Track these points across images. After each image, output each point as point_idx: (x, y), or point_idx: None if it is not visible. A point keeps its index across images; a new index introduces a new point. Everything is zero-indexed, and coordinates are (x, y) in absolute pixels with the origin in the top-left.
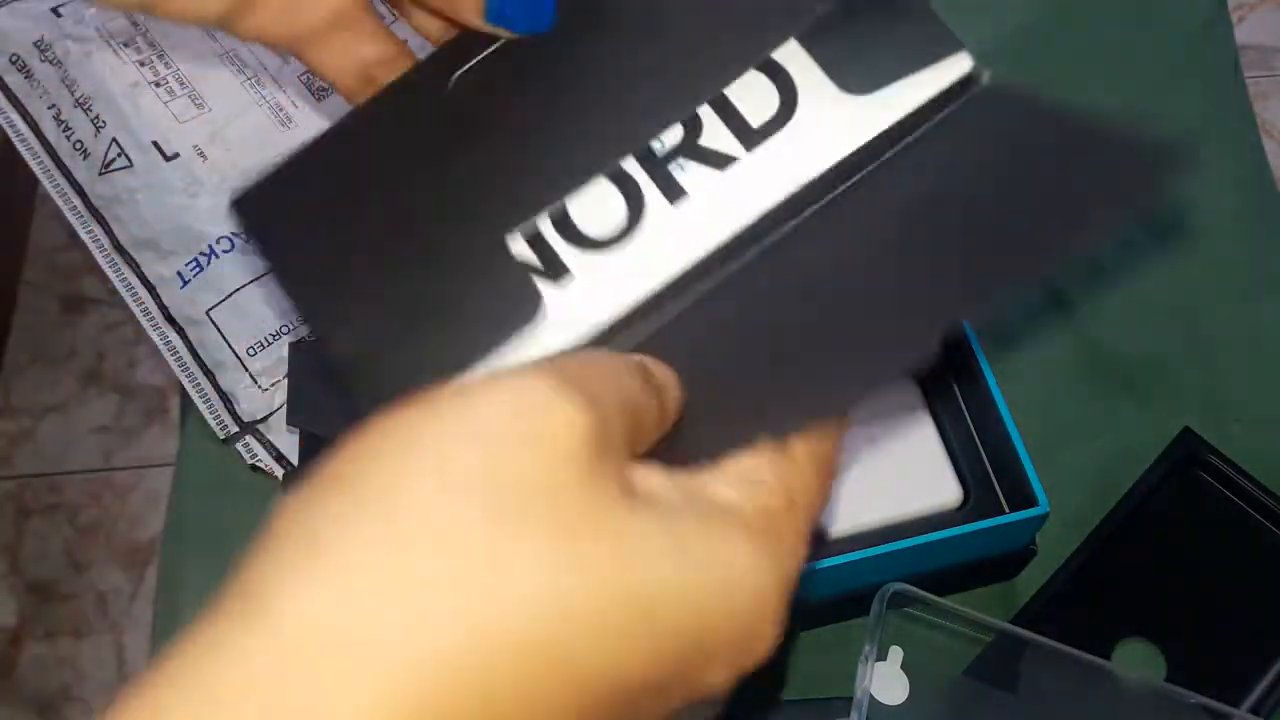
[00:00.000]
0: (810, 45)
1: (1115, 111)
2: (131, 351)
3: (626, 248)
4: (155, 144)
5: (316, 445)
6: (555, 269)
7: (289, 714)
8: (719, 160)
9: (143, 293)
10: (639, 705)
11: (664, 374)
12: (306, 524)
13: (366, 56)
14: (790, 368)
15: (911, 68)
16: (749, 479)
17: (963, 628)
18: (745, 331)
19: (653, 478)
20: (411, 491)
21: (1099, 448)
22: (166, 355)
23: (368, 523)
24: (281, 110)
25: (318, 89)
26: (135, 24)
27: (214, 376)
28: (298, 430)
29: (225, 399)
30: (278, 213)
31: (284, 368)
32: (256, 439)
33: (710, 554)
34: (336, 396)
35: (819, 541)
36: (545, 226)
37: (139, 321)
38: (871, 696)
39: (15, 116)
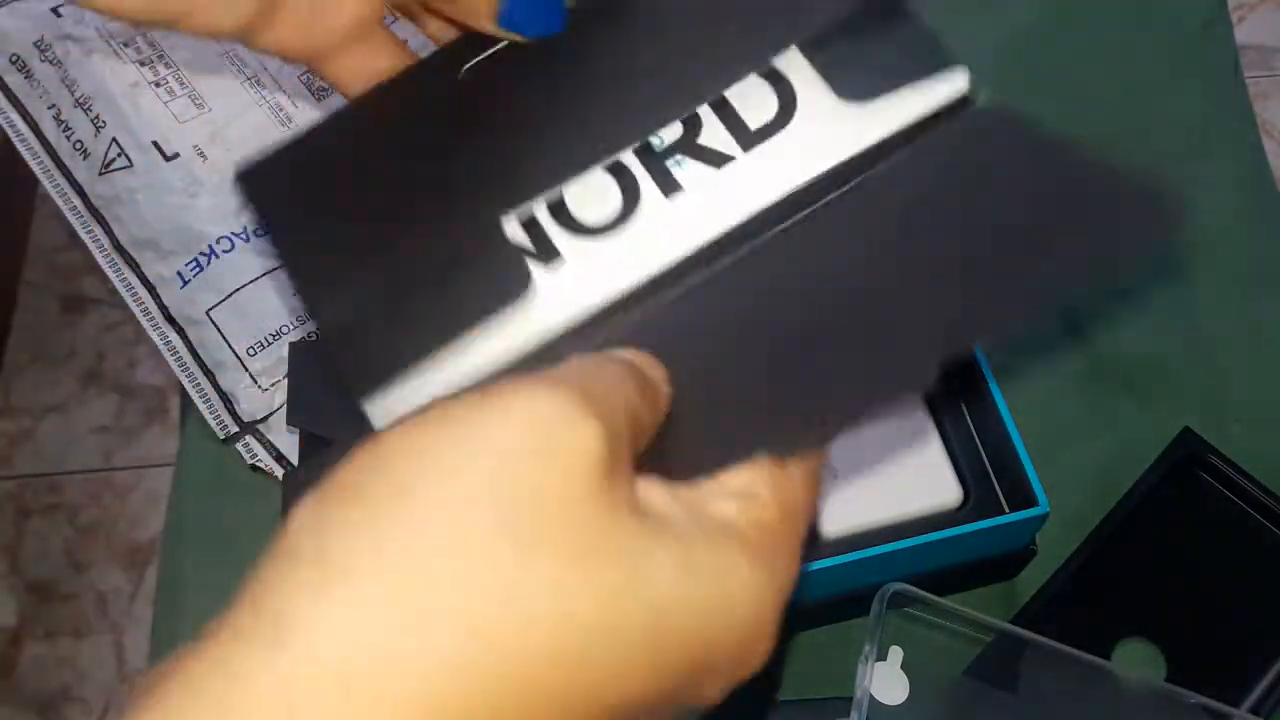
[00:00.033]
0: (810, 53)
1: (1112, 156)
2: (131, 351)
3: (619, 236)
4: (155, 144)
5: (316, 445)
6: (547, 252)
7: None
8: (716, 159)
9: (143, 293)
10: (637, 718)
11: (656, 372)
12: (319, 538)
13: (381, 69)
14: (787, 384)
15: (909, 81)
16: (745, 493)
17: (963, 628)
18: (737, 335)
19: (655, 492)
20: (426, 510)
21: (1099, 448)
22: (166, 355)
23: (382, 541)
24: (281, 110)
25: (318, 89)
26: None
27: (214, 376)
28: (298, 430)
29: (225, 399)
30: (279, 185)
31: (284, 368)
32: (256, 439)
33: (714, 573)
34: (337, 396)
35: (814, 543)
36: (540, 212)
37: (139, 321)
38: (871, 696)
39: (15, 116)
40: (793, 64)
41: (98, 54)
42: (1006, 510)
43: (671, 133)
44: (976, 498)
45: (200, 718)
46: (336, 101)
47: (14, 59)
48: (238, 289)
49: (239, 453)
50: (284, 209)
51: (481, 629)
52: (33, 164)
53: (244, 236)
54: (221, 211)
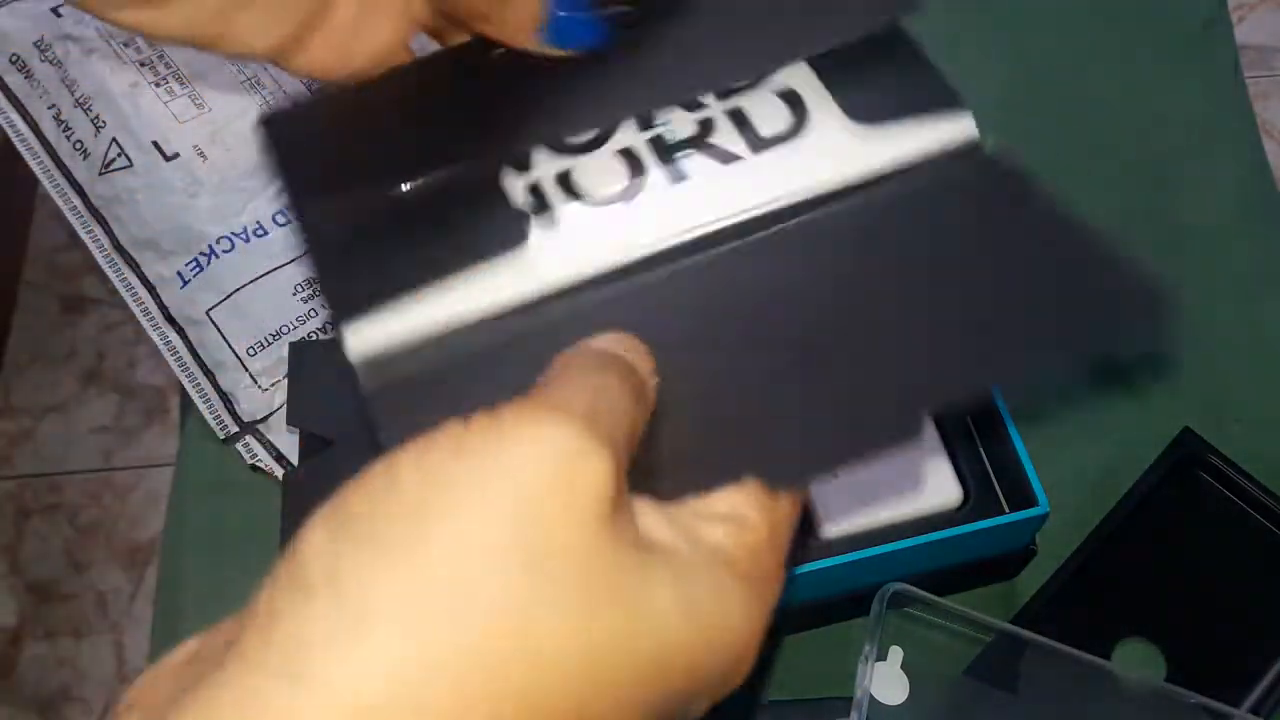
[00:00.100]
0: (823, 72)
1: (1111, 237)
2: (131, 351)
3: (620, 210)
4: (155, 144)
5: (316, 445)
6: (547, 212)
7: None
8: (725, 156)
9: (143, 293)
10: None
11: (644, 362)
12: (333, 572)
13: None
14: (779, 406)
15: (919, 114)
16: (735, 516)
17: (963, 628)
18: (726, 332)
19: (651, 518)
20: (443, 549)
21: (1099, 448)
22: (166, 355)
23: (400, 582)
24: None
25: (317, 90)
26: None
27: (214, 376)
28: (298, 430)
29: (225, 399)
30: (298, 134)
31: (284, 368)
32: (256, 439)
33: (711, 605)
34: (338, 396)
35: (814, 543)
36: (546, 177)
37: (139, 321)
38: (871, 696)
39: (15, 116)
40: (806, 82)
41: (98, 54)
42: (1006, 510)
43: (685, 130)
44: (976, 498)
45: None
46: None
47: (14, 59)
48: (238, 289)
49: (239, 453)
50: (299, 155)
51: (498, 670)
52: (33, 164)
53: (244, 236)
54: (221, 211)
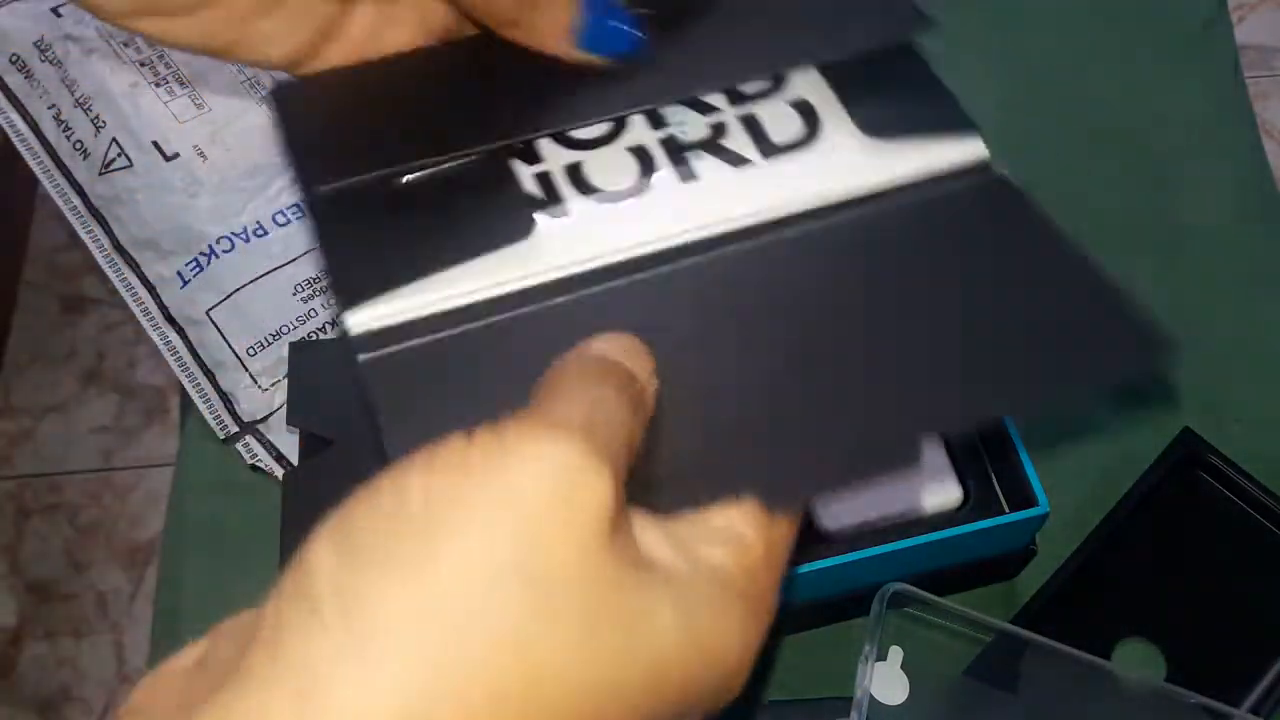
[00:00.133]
0: (836, 84)
1: (1113, 277)
2: (131, 351)
3: (628, 205)
4: (155, 144)
5: (316, 445)
6: (556, 203)
7: None
8: (735, 159)
9: (143, 293)
10: None
11: (643, 365)
12: (341, 591)
13: None
14: (778, 423)
15: (930, 132)
16: (733, 535)
17: (963, 628)
18: (726, 338)
19: (650, 535)
20: (451, 570)
21: (1099, 448)
22: (166, 355)
23: (407, 602)
24: None
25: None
26: None
27: (214, 376)
28: (298, 430)
29: (225, 399)
30: (309, 109)
31: (284, 368)
32: (256, 439)
33: (710, 625)
34: (338, 396)
35: (814, 542)
36: (556, 168)
37: (139, 321)
38: (871, 696)
39: (15, 116)
40: (820, 94)
41: (98, 54)
42: (1006, 510)
43: (698, 132)
44: (976, 498)
45: None
46: None
47: (14, 59)
48: (238, 289)
49: (239, 453)
50: (307, 127)
51: (501, 689)
52: (33, 164)
53: (244, 236)
54: (221, 211)
